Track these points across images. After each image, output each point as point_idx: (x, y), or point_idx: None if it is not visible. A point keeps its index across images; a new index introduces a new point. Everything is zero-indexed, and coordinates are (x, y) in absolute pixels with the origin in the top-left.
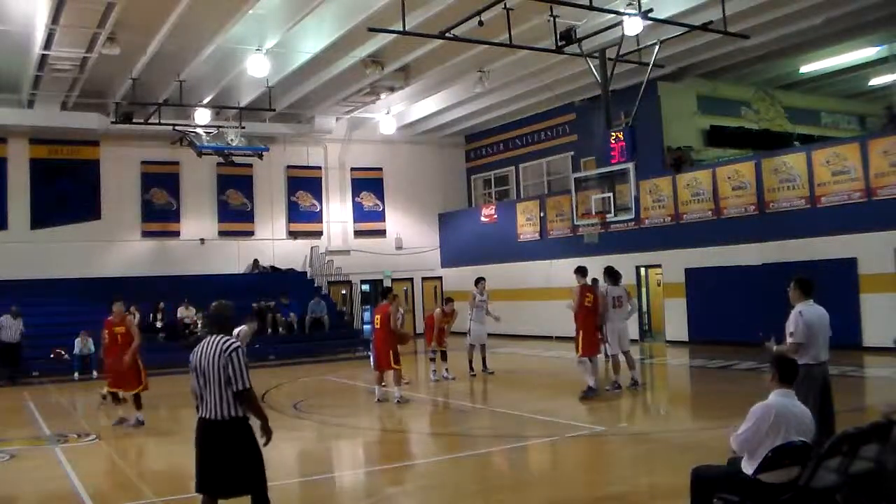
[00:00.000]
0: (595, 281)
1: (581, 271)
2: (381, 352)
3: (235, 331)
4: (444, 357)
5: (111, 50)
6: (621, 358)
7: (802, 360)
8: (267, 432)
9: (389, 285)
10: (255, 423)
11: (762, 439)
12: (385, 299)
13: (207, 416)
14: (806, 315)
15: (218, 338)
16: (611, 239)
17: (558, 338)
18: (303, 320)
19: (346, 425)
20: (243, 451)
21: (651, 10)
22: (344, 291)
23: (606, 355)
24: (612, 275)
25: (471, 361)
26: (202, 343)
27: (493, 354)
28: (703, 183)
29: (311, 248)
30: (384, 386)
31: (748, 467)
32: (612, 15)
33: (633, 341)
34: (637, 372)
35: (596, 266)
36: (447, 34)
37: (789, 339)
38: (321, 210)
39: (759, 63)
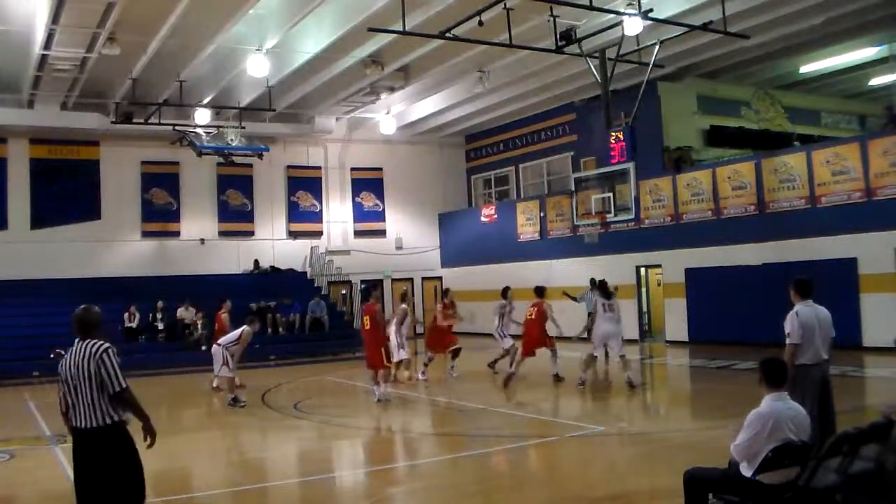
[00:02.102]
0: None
1: (538, 291)
2: (372, 350)
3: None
4: (455, 355)
5: (111, 50)
6: (597, 353)
7: (800, 360)
8: (150, 432)
9: (368, 286)
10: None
11: (761, 445)
12: (371, 298)
13: (81, 426)
14: (802, 316)
15: (85, 343)
16: (611, 239)
17: (558, 338)
18: (303, 320)
19: (346, 425)
20: (120, 462)
21: (651, 10)
22: (344, 291)
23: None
24: (603, 289)
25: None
26: (69, 352)
27: (493, 354)
28: (703, 183)
29: (311, 248)
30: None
31: (747, 469)
32: (612, 15)
33: (633, 341)
34: (633, 372)
35: (596, 266)
36: (447, 34)
37: (787, 341)
38: (321, 210)
39: (759, 63)
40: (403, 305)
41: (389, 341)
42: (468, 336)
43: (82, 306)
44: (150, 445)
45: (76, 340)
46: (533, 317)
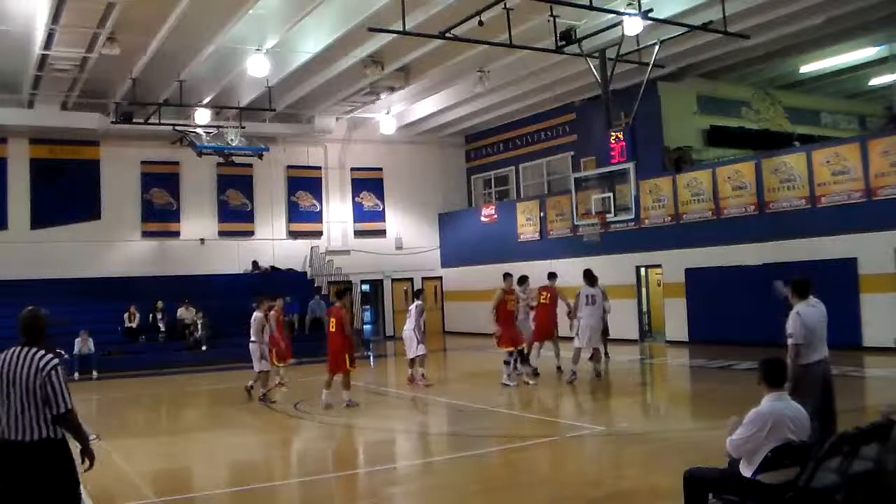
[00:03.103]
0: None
1: (550, 276)
2: (337, 355)
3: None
4: (523, 359)
5: (111, 50)
6: (584, 354)
7: (804, 360)
8: (89, 455)
9: (342, 288)
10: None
11: (760, 444)
12: (340, 300)
13: (14, 438)
14: (804, 316)
15: (31, 352)
16: (611, 239)
17: (559, 338)
18: (303, 320)
19: (346, 425)
20: (58, 479)
21: (651, 10)
22: None
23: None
24: (586, 276)
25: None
26: (8, 354)
27: (494, 354)
28: (703, 183)
29: (311, 247)
30: (337, 391)
31: (746, 469)
32: (612, 15)
33: (633, 342)
34: (601, 365)
35: (596, 266)
36: (447, 34)
37: (789, 341)
38: (321, 210)
39: (759, 63)
40: (419, 302)
41: (352, 346)
42: (464, 336)
43: (29, 308)
44: (88, 469)
45: (19, 346)
46: (547, 301)
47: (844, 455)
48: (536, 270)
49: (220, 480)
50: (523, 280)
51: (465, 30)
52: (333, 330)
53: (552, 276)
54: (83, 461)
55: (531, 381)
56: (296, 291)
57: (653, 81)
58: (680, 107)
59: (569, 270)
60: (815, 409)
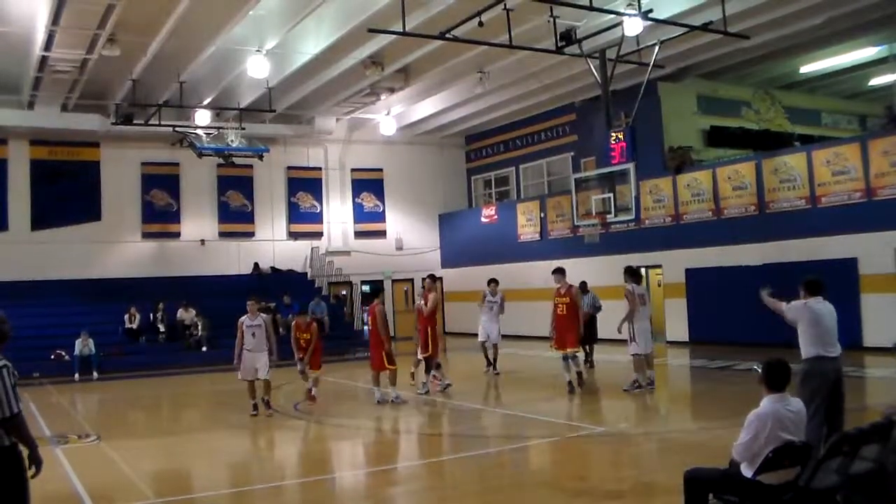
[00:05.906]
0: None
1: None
2: (373, 352)
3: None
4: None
5: (111, 51)
6: (645, 351)
7: (810, 351)
8: (36, 462)
9: (378, 287)
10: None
11: (761, 446)
12: (376, 298)
13: None
14: (810, 303)
15: None
16: (611, 239)
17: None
18: None
19: (346, 425)
20: (8, 490)
21: (651, 11)
22: (344, 292)
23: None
24: (633, 274)
25: (486, 356)
26: None
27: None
28: (703, 183)
29: (312, 248)
30: (383, 387)
31: (747, 469)
32: (612, 15)
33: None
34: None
35: (597, 266)
36: (447, 35)
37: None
38: (321, 211)
39: (759, 63)
40: (433, 294)
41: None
42: (464, 336)
43: None
44: (35, 475)
45: None
46: (568, 301)
47: (845, 455)
48: (537, 271)
49: (221, 481)
50: (491, 282)
51: (465, 30)
52: (371, 328)
53: (562, 270)
54: (30, 466)
55: (440, 388)
56: (296, 292)
57: (653, 82)
58: (680, 107)
59: (569, 271)
60: (818, 406)
